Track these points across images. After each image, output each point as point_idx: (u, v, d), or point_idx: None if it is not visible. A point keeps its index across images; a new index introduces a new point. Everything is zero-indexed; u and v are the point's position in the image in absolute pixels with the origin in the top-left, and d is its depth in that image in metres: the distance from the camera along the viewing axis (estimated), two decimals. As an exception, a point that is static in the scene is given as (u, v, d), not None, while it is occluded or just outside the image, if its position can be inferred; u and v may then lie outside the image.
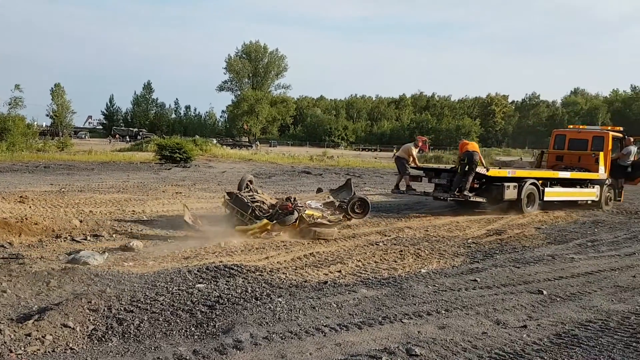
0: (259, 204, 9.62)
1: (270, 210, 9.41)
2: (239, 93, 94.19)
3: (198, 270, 6.48)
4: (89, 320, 4.67)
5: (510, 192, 13.04)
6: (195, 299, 5.38)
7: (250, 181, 10.65)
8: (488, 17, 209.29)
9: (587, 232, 11.22)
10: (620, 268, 7.81)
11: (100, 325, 4.60)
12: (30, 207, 10.71)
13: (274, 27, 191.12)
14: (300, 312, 5.16)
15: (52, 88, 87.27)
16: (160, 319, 4.79)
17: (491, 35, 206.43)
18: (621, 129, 16.99)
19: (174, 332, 4.54)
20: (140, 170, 24.33)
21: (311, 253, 7.97)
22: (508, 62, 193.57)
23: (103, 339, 4.35)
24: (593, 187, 15.21)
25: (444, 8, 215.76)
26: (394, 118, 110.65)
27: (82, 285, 5.63)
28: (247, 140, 77.67)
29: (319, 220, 9.66)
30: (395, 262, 7.74)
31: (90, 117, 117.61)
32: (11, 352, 3.99)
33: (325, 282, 6.34)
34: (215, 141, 58.52)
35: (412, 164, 14.13)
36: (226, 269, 6.59)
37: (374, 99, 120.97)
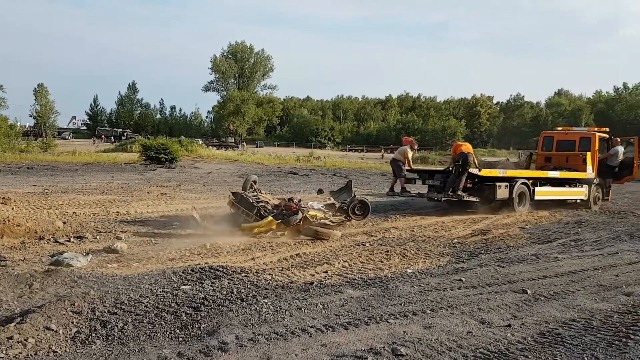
0: (263, 204, 9.79)
1: (275, 211, 9.54)
2: (225, 93, 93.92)
3: (183, 272, 6.43)
4: (72, 322, 4.62)
5: (502, 192, 13.34)
6: (180, 301, 5.34)
7: (255, 181, 10.88)
8: (473, 19, 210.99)
9: (571, 231, 11.34)
10: (603, 267, 7.90)
11: (84, 327, 4.55)
12: (12, 208, 10.57)
13: (258, 28, 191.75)
14: (286, 313, 5.15)
15: (35, 88, 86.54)
16: (145, 321, 4.74)
17: (476, 37, 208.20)
18: (607, 129, 17.45)
19: (159, 334, 4.50)
20: (124, 171, 24.15)
21: (297, 254, 7.95)
22: (493, 63, 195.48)
23: (86, 341, 4.30)
24: (582, 187, 15.55)
25: (430, 10, 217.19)
26: (380, 119, 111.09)
27: (65, 288, 5.56)
28: (233, 140, 77.39)
29: (322, 220, 9.84)
30: (382, 262, 7.75)
31: (74, 117, 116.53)
32: (-8, 355, 3.93)
33: (312, 283, 6.33)
34: (201, 142, 58.37)
35: (408, 167, 14.39)
36: (211, 271, 6.56)
37: (360, 99, 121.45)
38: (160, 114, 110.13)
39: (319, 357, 4.18)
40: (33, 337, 4.23)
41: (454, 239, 10.03)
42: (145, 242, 8.44)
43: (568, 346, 4.55)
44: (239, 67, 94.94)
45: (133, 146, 40.54)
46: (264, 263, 7.32)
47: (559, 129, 19.38)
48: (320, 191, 12.07)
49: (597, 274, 7.41)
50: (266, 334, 4.56)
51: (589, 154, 15.85)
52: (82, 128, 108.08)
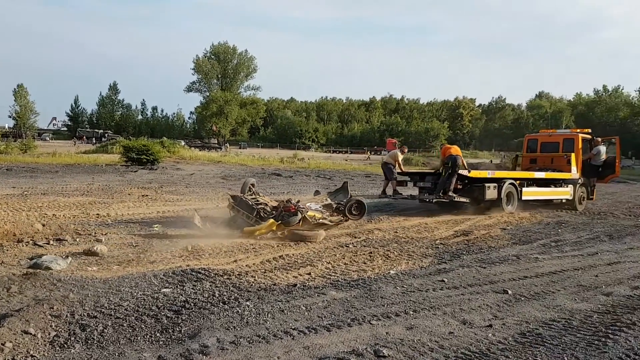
0: (262, 206, 9.95)
1: (274, 212, 9.71)
2: (208, 94, 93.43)
3: (164, 275, 6.38)
4: (50, 326, 4.55)
5: (490, 192, 13.68)
6: (161, 304, 5.29)
7: (253, 184, 11.04)
8: (456, 22, 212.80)
9: (551, 232, 11.47)
10: (583, 268, 7.99)
11: (63, 331, 4.48)
12: (-10, 210, 10.39)
13: (242, 28, 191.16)
14: (269, 315, 5.13)
15: (14, 89, 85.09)
16: (125, 325, 4.69)
17: (458, 40, 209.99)
18: (589, 130, 17.93)
19: (139, 338, 4.44)
20: (105, 172, 23.88)
21: (281, 256, 7.93)
22: (475, 66, 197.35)
23: (65, 345, 4.24)
24: (567, 187, 15.96)
25: (414, 12, 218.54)
26: (364, 120, 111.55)
27: (44, 291, 5.48)
28: (216, 142, 77.02)
29: (320, 221, 9.99)
30: (365, 263, 7.76)
31: (54, 118, 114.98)
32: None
33: (295, 285, 6.32)
34: (183, 143, 57.97)
35: (398, 169, 14.78)
36: (193, 273, 6.51)
37: (344, 101, 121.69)
38: (141, 115, 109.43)
39: (301, 359, 4.16)
40: (11, 342, 4.15)
41: (437, 240, 10.09)
42: (126, 245, 8.35)
43: (548, 346, 4.60)
44: (222, 67, 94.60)
45: (114, 147, 40.12)
46: (246, 265, 7.28)
47: (543, 131, 19.82)
48: (317, 192, 12.29)
49: (577, 275, 7.50)
50: (248, 337, 4.53)
51: (573, 154, 16.27)
52: (62, 129, 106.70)
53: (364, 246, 9.09)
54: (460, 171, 13.46)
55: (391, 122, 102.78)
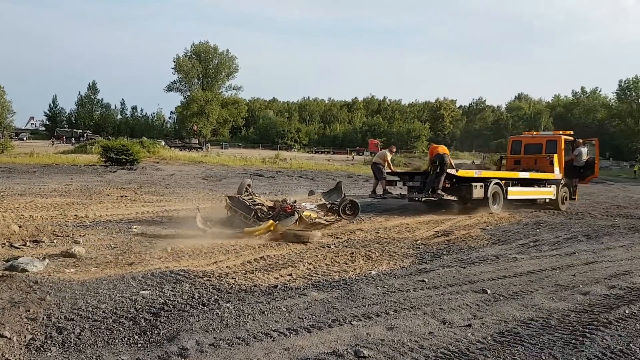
0: (259, 206, 10.07)
1: (270, 212, 9.83)
2: (189, 94, 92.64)
3: (142, 277, 6.30)
4: (26, 329, 4.47)
5: (477, 191, 14.07)
6: (139, 306, 5.23)
7: (249, 185, 11.19)
8: (436, 23, 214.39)
9: (530, 232, 11.61)
10: (561, 267, 8.09)
11: (39, 334, 4.41)
12: (-36, 212, 10.18)
13: (222, 28, 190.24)
14: (249, 317, 5.10)
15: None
16: (102, 328, 4.62)
17: (440, 41, 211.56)
18: (572, 132, 18.54)
19: (117, 341, 4.39)
20: (84, 173, 23.58)
21: (262, 257, 7.89)
22: (456, 67, 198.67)
23: (42, 348, 4.16)
24: (550, 187, 16.42)
25: (394, 13, 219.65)
26: (346, 121, 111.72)
27: (20, 293, 5.38)
28: (197, 142, 76.49)
29: (316, 220, 10.17)
30: (346, 264, 7.76)
31: (32, 118, 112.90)
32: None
33: (276, 286, 6.29)
34: (163, 143, 57.48)
35: (388, 169, 15.01)
36: (172, 275, 6.45)
37: (326, 101, 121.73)
38: (121, 115, 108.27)
39: (282, 361, 4.15)
40: (-16, 346, 4.07)
41: (418, 240, 10.14)
42: (104, 246, 8.24)
43: (527, 345, 4.64)
44: (203, 67, 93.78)
45: (93, 147, 39.61)
46: (227, 267, 7.23)
47: (526, 133, 20.36)
48: (311, 192, 12.46)
49: (554, 274, 7.60)
50: (228, 339, 4.50)
51: (555, 155, 16.74)
52: (40, 129, 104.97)
53: (346, 247, 9.10)
54: (448, 170, 13.79)
55: (373, 123, 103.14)
